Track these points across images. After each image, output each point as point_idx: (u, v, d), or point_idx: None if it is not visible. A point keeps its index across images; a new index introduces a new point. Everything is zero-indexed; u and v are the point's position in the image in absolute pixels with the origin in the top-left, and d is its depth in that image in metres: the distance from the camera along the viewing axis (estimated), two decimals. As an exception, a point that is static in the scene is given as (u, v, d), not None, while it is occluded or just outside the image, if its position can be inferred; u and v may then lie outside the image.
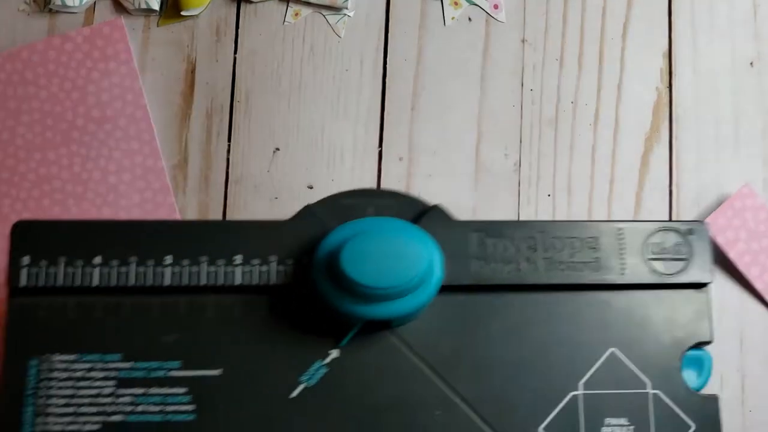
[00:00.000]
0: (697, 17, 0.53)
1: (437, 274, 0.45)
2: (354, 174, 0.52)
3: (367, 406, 0.45)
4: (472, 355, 0.47)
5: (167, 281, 0.45)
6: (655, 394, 0.47)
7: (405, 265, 0.43)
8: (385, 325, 0.46)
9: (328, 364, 0.45)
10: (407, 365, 0.46)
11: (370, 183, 0.51)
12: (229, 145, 0.53)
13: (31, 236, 0.45)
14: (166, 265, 0.45)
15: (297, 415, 0.45)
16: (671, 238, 0.47)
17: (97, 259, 0.45)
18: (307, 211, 0.47)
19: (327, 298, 0.44)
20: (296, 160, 0.52)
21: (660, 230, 0.47)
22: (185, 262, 0.45)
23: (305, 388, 0.45)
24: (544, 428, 0.46)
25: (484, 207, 0.49)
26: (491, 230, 0.47)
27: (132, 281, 0.45)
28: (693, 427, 0.46)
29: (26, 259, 0.45)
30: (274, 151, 0.52)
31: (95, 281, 0.45)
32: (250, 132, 0.53)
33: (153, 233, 0.46)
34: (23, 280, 0.45)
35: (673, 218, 0.51)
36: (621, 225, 0.47)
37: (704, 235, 0.47)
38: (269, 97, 0.53)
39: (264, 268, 0.46)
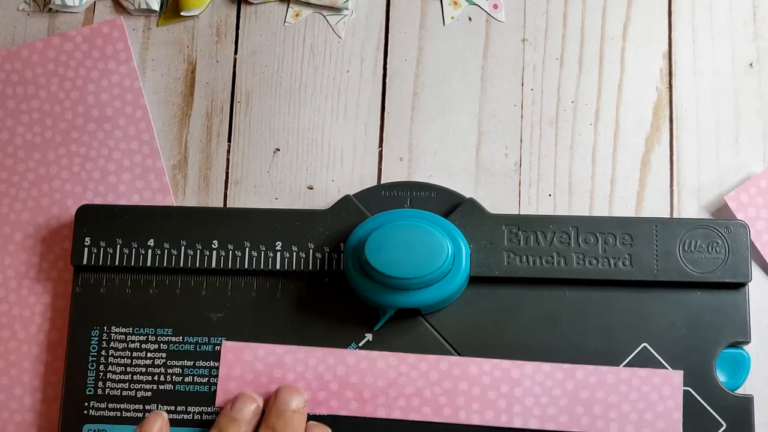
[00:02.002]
0: (697, 17, 0.53)
1: (464, 265, 0.46)
2: (354, 174, 0.52)
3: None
4: (502, 344, 0.48)
5: (213, 264, 0.48)
6: (686, 391, 0.46)
7: (427, 257, 0.45)
8: (416, 312, 0.48)
9: (362, 347, 0.48)
10: (437, 351, 0.48)
11: (370, 183, 0.51)
12: (229, 146, 0.53)
13: (91, 219, 0.49)
14: (213, 249, 0.48)
15: None
16: (708, 236, 0.47)
17: (150, 242, 0.48)
18: (346, 201, 0.49)
19: (356, 285, 0.46)
20: (296, 161, 0.52)
21: (696, 228, 0.47)
22: (230, 246, 0.48)
23: None
24: None
25: (485, 207, 0.49)
26: (524, 224, 0.47)
27: (181, 263, 0.48)
28: (724, 426, 0.46)
29: (87, 240, 0.49)
30: (274, 152, 0.52)
31: (148, 262, 0.48)
32: (250, 132, 0.53)
33: (201, 219, 0.49)
34: (85, 259, 0.49)
35: (674, 218, 0.50)
36: (656, 221, 0.48)
37: (742, 234, 0.47)
38: (269, 98, 0.53)
39: (302, 254, 0.48)
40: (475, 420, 0.46)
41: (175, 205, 0.51)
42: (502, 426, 0.46)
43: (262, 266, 0.48)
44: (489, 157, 0.52)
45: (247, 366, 0.48)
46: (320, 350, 0.47)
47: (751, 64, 0.52)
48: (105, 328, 0.49)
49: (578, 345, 0.47)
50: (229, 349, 0.48)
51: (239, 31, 0.54)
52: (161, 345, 0.48)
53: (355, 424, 0.47)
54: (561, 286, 0.48)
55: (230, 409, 0.46)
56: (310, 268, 0.48)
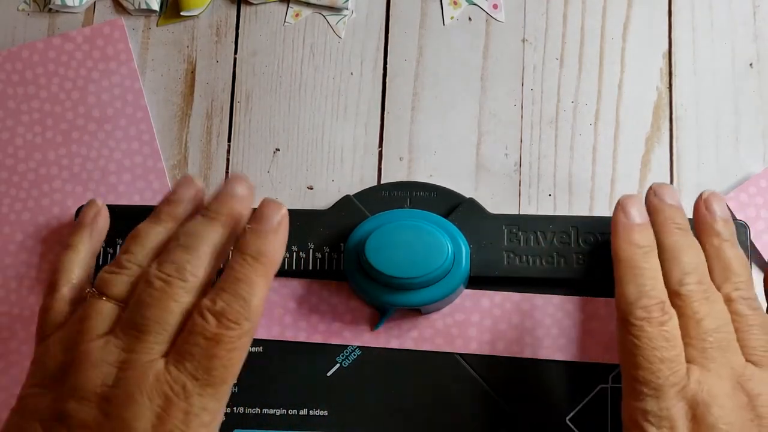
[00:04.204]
0: (697, 17, 0.53)
1: (463, 265, 0.46)
2: (354, 174, 0.52)
3: (397, 388, 0.48)
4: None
5: None
6: None
7: (427, 256, 0.45)
8: (416, 312, 0.48)
9: (362, 347, 0.48)
10: (437, 353, 0.48)
11: (370, 183, 0.51)
12: (229, 146, 0.53)
13: None
14: None
15: (332, 392, 0.48)
16: None
17: None
18: (346, 201, 0.49)
19: (357, 285, 0.46)
20: (296, 161, 0.52)
21: None
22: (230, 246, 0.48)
23: (340, 368, 0.48)
24: (570, 419, 0.46)
25: (485, 207, 0.49)
26: (524, 224, 0.47)
27: None
28: None
29: None
30: (274, 152, 0.52)
31: None
32: (250, 132, 0.53)
33: None
34: None
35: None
36: None
37: (742, 234, 0.47)
38: (269, 98, 0.53)
39: (302, 254, 0.48)
40: (486, 350, 0.47)
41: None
42: (512, 356, 0.47)
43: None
44: (489, 157, 0.52)
45: None
46: (334, 281, 0.49)
47: (751, 64, 0.52)
48: None
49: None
50: None
51: (239, 31, 0.54)
52: None
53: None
54: (561, 287, 0.48)
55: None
56: (310, 268, 0.48)
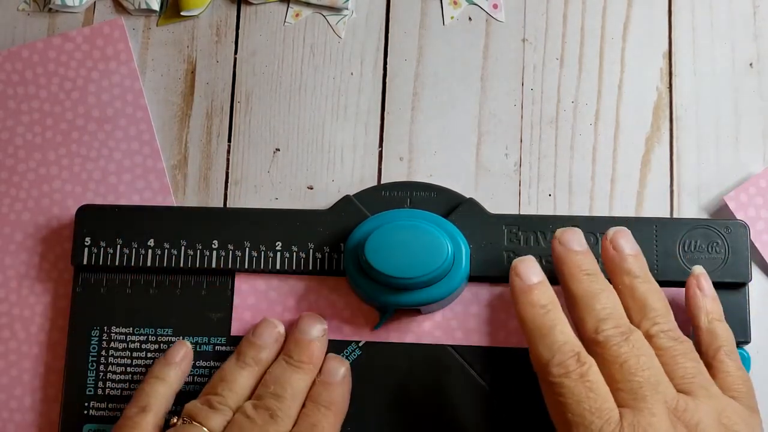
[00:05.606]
0: (697, 18, 0.53)
1: (463, 265, 0.46)
2: (354, 174, 0.52)
3: (397, 388, 0.48)
4: (501, 347, 0.48)
5: (213, 264, 0.48)
6: None
7: (427, 256, 0.45)
8: (416, 312, 0.48)
9: (361, 347, 0.48)
10: (437, 351, 0.48)
11: (370, 183, 0.51)
12: (229, 146, 0.53)
13: (91, 219, 0.49)
14: (213, 249, 0.48)
15: None
16: (707, 237, 0.47)
17: (151, 242, 0.48)
18: (346, 201, 0.49)
19: (356, 285, 0.46)
20: (296, 161, 0.52)
21: (696, 228, 0.47)
22: (230, 246, 0.48)
23: None
24: None
25: (485, 207, 0.49)
26: (524, 224, 0.47)
27: (181, 263, 0.48)
28: None
29: (88, 240, 0.49)
30: (274, 152, 0.52)
31: (148, 262, 0.48)
32: (250, 132, 0.53)
33: (201, 219, 0.49)
34: (85, 259, 0.49)
35: (673, 218, 0.50)
36: (656, 222, 0.48)
37: (742, 234, 0.47)
38: (269, 98, 0.53)
39: (302, 254, 0.48)
40: (486, 342, 0.47)
41: (175, 205, 0.52)
42: (512, 357, 0.47)
43: (262, 266, 0.48)
44: (489, 157, 0.52)
45: (261, 295, 0.48)
46: (333, 279, 0.48)
47: (751, 64, 0.52)
48: (105, 328, 0.49)
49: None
50: (243, 280, 0.48)
51: (239, 31, 0.54)
52: (161, 345, 0.48)
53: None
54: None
55: (252, 334, 0.47)
56: (310, 268, 0.48)
